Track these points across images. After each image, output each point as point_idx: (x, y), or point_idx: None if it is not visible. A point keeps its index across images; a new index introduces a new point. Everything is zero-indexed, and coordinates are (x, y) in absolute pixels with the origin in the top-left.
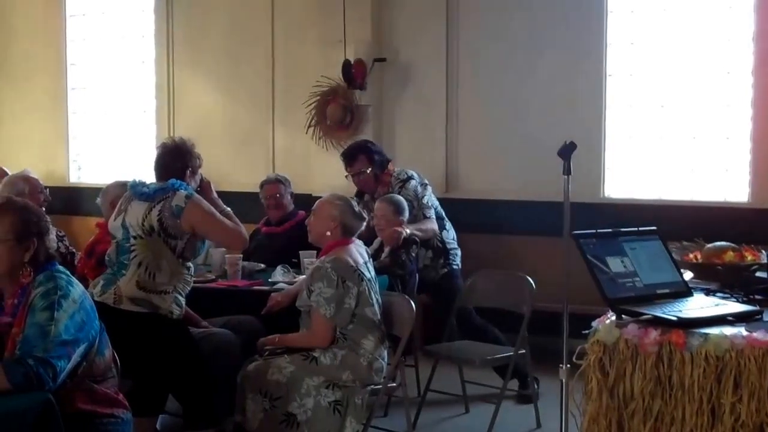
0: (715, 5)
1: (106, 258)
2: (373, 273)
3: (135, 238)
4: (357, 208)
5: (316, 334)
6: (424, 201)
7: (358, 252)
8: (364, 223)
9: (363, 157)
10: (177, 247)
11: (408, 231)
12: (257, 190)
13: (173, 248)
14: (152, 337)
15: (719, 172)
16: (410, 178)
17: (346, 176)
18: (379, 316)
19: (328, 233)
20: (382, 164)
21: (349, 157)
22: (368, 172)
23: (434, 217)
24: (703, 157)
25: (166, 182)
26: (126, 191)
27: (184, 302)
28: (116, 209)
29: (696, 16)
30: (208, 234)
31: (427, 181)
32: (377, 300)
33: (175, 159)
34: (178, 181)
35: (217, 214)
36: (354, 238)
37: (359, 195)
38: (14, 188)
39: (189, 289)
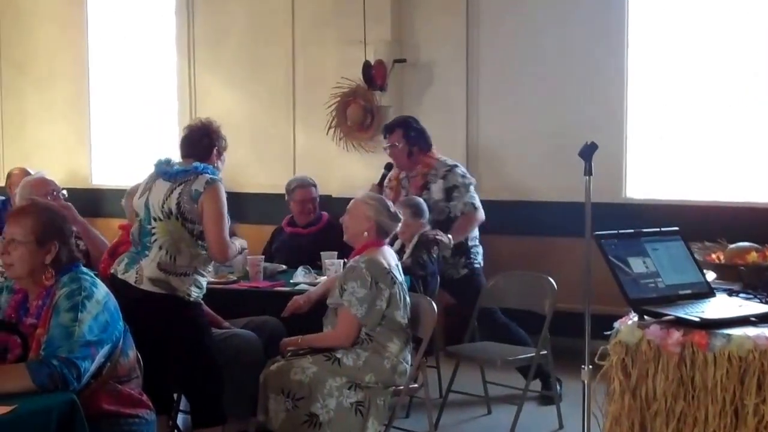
0: (738, 4)
1: (131, 236)
2: (402, 277)
3: (155, 220)
4: (393, 209)
5: (341, 333)
6: (472, 192)
7: (390, 254)
8: (400, 224)
9: (399, 132)
10: (195, 230)
11: (449, 237)
12: (278, 191)
13: (191, 231)
14: (164, 317)
15: (742, 173)
16: (456, 165)
17: (384, 147)
18: (407, 320)
19: (365, 233)
20: (419, 143)
21: (387, 129)
22: (399, 146)
23: (480, 209)
24: (726, 157)
25: (190, 164)
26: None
27: (205, 283)
28: (142, 187)
29: (719, 15)
30: (205, 226)
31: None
32: (407, 304)
33: (203, 136)
34: (202, 165)
35: (226, 216)
36: (386, 240)
37: (388, 167)
38: (24, 191)
39: (210, 267)
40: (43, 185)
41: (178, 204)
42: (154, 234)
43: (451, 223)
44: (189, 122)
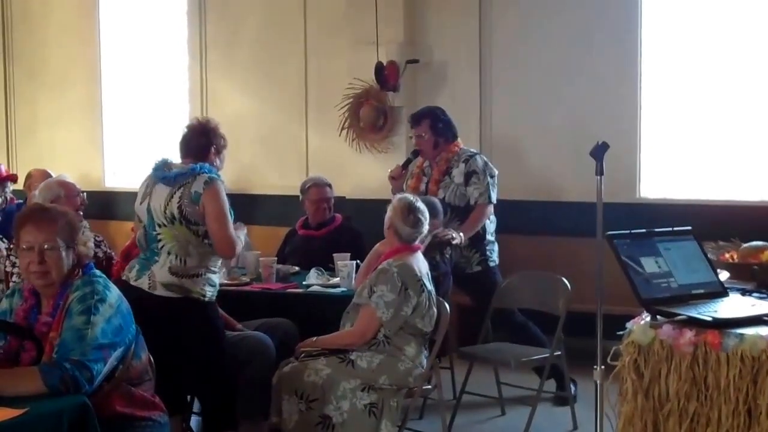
0: (751, 3)
1: (137, 241)
2: (432, 286)
3: (160, 225)
4: (412, 216)
5: (358, 331)
6: (492, 183)
7: (423, 262)
8: (420, 230)
9: (426, 122)
10: (200, 231)
11: (461, 237)
12: (290, 192)
13: (196, 233)
14: (182, 321)
15: (756, 171)
16: (477, 154)
17: (410, 137)
18: (429, 329)
19: (387, 232)
20: (446, 134)
21: (415, 119)
22: (425, 137)
23: (493, 203)
24: (740, 156)
25: (188, 166)
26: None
27: (217, 280)
28: (141, 192)
29: (732, 14)
30: (209, 225)
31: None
32: (432, 315)
33: (200, 135)
34: (199, 165)
35: (228, 213)
36: (419, 245)
37: (415, 153)
38: (50, 193)
39: (220, 262)
40: (74, 187)
41: (179, 208)
42: (160, 240)
43: (470, 211)
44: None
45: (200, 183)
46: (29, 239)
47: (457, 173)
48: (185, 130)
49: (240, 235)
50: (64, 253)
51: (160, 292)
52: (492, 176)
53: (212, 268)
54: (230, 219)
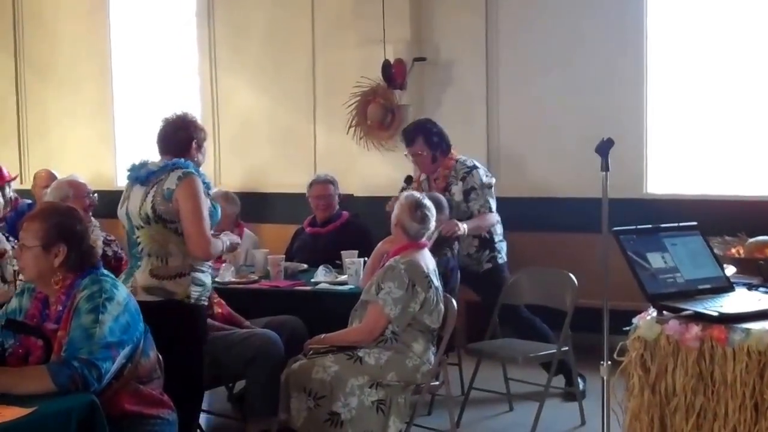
0: None
1: (126, 251)
2: (439, 282)
3: (137, 228)
4: (419, 212)
5: (366, 328)
6: (490, 193)
7: (429, 258)
8: (427, 227)
9: (421, 140)
10: (179, 229)
11: (464, 228)
12: (300, 191)
13: (175, 231)
14: (162, 325)
15: (762, 167)
16: (476, 167)
17: (405, 155)
18: (436, 325)
19: (394, 229)
20: (442, 146)
21: (408, 138)
22: (424, 154)
23: (494, 212)
24: (746, 151)
25: (162, 163)
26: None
27: (207, 280)
28: (123, 197)
29: (739, 8)
30: (182, 222)
31: (490, 174)
32: (439, 311)
33: (179, 129)
34: (174, 161)
35: (204, 209)
36: (426, 242)
37: (408, 180)
38: (60, 193)
39: (210, 262)
40: (83, 187)
41: (153, 207)
42: (139, 243)
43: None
44: (210, 122)
45: (173, 179)
46: (20, 236)
47: (456, 191)
48: (161, 124)
49: (225, 239)
50: (37, 253)
51: (141, 297)
52: (490, 187)
53: (199, 267)
54: (206, 216)
